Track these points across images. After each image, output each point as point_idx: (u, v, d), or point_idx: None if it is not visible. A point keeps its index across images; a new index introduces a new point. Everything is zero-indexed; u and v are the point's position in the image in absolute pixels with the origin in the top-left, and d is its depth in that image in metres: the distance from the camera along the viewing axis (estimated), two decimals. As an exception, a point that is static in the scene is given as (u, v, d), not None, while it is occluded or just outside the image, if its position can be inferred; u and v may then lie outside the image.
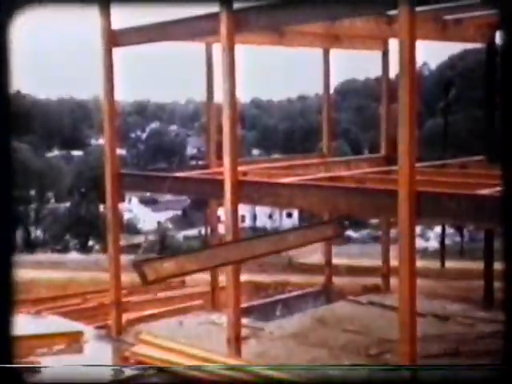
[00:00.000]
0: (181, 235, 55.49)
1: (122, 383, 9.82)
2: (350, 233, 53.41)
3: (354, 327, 12.88)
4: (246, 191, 10.62)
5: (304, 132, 70.01)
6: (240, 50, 10.88)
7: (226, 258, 9.79)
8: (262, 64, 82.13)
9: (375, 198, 9.11)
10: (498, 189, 8.12)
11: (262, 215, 64.70)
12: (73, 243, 50.59)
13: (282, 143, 76.31)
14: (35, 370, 9.17)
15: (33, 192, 54.37)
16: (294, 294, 16.36)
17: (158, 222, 56.46)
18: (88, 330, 12.92)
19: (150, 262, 9.18)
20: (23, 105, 65.07)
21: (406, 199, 8.36)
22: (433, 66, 65.89)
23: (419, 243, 33.96)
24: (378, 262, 16.26)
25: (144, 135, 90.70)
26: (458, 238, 43.07)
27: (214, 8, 10.50)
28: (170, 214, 67.02)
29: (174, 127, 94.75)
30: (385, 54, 14.92)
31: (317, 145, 25.79)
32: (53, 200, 59.67)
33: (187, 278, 17.71)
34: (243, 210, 52.16)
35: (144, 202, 68.82)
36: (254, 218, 63.91)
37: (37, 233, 52.39)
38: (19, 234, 48.41)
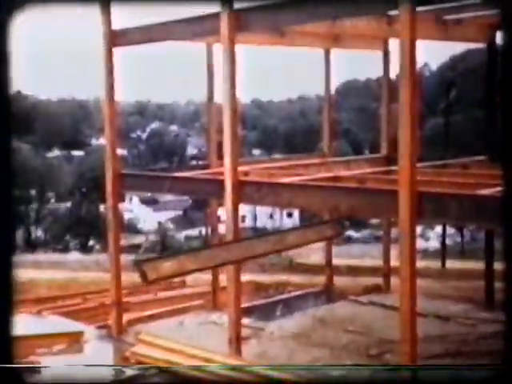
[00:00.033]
0: (182, 235, 55.51)
1: (122, 383, 9.81)
2: (350, 233, 53.41)
3: (355, 327, 12.87)
4: (247, 191, 10.62)
5: (304, 132, 69.98)
6: (240, 50, 10.88)
7: (226, 257, 9.79)
8: (262, 64, 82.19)
9: (376, 198, 9.11)
10: (499, 189, 8.11)
11: (263, 215, 64.69)
12: (73, 243, 50.60)
13: (282, 143, 76.31)
14: (35, 370, 9.16)
15: (33, 192, 54.35)
16: (295, 294, 16.36)
17: (159, 222, 56.44)
18: (88, 330, 12.92)
19: (150, 261, 9.19)
20: (24, 105, 65.09)
21: (406, 199, 8.35)
22: (434, 66, 65.86)
23: (420, 243, 33.94)
24: (378, 262, 16.26)
25: (144, 135, 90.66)
26: (458, 238, 43.07)
27: (215, 8, 10.50)
28: (171, 214, 67.01)
29: (174, 127, 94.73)
30: (385, 54, 14.91)
31: (317, 145, 25.78)
32: (53, 200, 59.65)
33: (188, 278, 17.73)
34: (244, 210, 52.12)
35: (145, 202, 68.82)
36: (255, 218, 63.90)
37: (37, 233, 52.39)
38: (20, 234, 48.42)
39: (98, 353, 11.94)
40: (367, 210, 9.95)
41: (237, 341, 10.80)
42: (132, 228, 55.28)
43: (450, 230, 40.53)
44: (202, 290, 16.50)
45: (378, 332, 12.33)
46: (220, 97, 11.19)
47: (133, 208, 66.94)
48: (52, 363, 10.65)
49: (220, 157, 12.25)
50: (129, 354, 10.97)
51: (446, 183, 9.72)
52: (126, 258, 14.23)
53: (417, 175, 8.49)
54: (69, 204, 55.39)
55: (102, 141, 20.81)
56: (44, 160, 60.62)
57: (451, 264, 24.06)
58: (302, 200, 10.04)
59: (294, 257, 25.75)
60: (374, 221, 49.88)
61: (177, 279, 17.44)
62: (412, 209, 8.36)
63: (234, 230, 10.64)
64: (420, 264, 9.48)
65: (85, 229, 50.15)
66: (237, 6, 10.39)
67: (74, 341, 12.07)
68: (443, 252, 26.99)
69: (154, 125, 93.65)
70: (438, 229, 41.56)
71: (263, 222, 63.68)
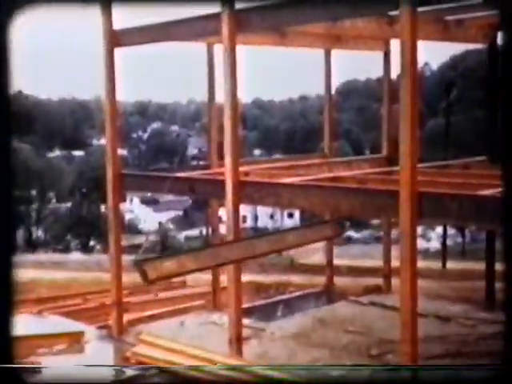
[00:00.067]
0: (182, 235, 55.54)
1: (122, 383, 9.81)
2: (351, 233, 53.43)
3: (356, 328, 12.87)
4: (248, 191, 10.62)
5: (305, 132, 70.03)
6: (241, 50, 10.87)
7: (226, 257, 9.80)
8: (263, 64, 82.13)
9: (377, 198, 9.10)
10: (500, 189, 8.11)
11: (264, 216, 64.72)
12: (74, 243, 50.64)
13: (283, 143, 76.35)
14: (36, 371, 9.17)
15: (34, 192, 54.40)
16: (296, 294, 16.35)
17: (160, 223, 56.47)
18: (89, 330, 12.93)
19: (151, 260, 9.19)
20: (25, 105, 65.10)
21: (407, 200, 8.35)
22: (434, 66, 65.87)
23: (421, 244, 33.94)
24: (379, 263, 16.25)
25: (145, 135, 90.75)
26: (459, 239, 43.09)
27: (216, 8, 10.50)
28: (172, 214, 67.04)
29: (175, 127, 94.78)
30: (386, 55, 14.91)
31: (318, 145, 25.79)
32: (54, 200, 59.69)
33: (188, 279, 17.73)
34: (244, 210, 52.14)
35: (145, 202, 68.86)
36: (256, 218, 63.93)
37: (38, 233, 52.43)
38: (21, 234, 48.46)
39: (98, 353, 11.94)
40: (368, 211, 9.95)
41: (237, 341, 10.79)
42: (133, 228, 55.31)
43: (451, 231, 40.55)
44: (202, 290, 16.51)
45: (379, 332, 12.32)
46: (221, 97, 11.19)
47: (133, 208, 66.98)
48: (53, 363, 10.65)
49: (221, 157, 12.25)
50: (129, 354, 10.97)
51: (446, 184, 9.71)
52: (127, 259, 14.22)
53: (417, 175, 8.49)
54: (69, 204, 55.43)
55: (103, 141, 20.82)
56: (45, 160, 60.65)
57: (452, 264, 24.07)
58: (303, 200, 10.03)
59: (294, 257, 25.77)
60: (375, 221, 49.90)
61: (177, 279, 17.45)
62: (413, 209, 8.35)
63: (235, 230, 10.64)
64: (421, 264, 9.46)
65: (85, 229, 50.21)
66: (238, 6, 10.39)
67: (74, 341, 12.07)
68: (444, 252, 27.01)
69: (155, 125, 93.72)
70: (439, 229, 41.57)
71: (264, 222, 63.71)
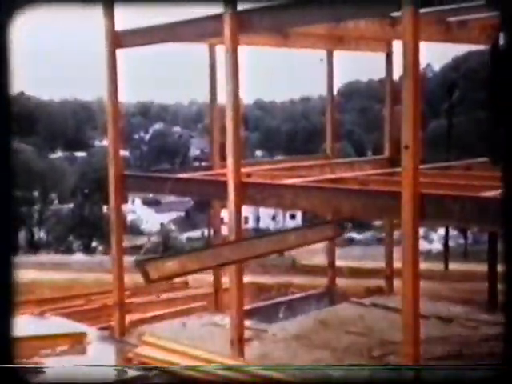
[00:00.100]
0: (184, 237, 55.55)
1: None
2: (353, 235, 53.39)
3: (357, 329, 12.86)
4: (250, 193, 10.61)
5: (307, 133, 70.02)
6: (243, 51, 10.87)
7: (228, 257, 9.82)
8: (265, 65, 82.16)
9: (379, 199, 9.09)
10: (500, 191, 8.10)
11: (266, 217, 64.70)
12: (76, 244, 50.67)
13: (285, 144, 76.34)
14: (38, 371, 9.17)
15: (36, 193, 54.44)
16: (297, 295, 16.34)
17: (161, 224, 56.51)
18: (91, 331, 12.92)
19: (152, 260, 9.22)
20: (27, 106, 65.16)
21: (409, 201, 8.34)
22: (436, 67, 65.83)
23: (423, 245, 33.91)
24: (381, 264, 16.23)
25: (147, 136, 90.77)
26: (461, 240, 43.05)
27: (218, 9, 10.50)
28: (173, 215, 67.06)
29: (177, 128, 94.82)
30: (388, 56, 14.90)
31: (320, 146, 25.79)
32: (56, 201, 59.74)
33: (190, 280, 17.73)
34: (246, 211, 52.15)
35: (147, 203, 68.88)
36: (258, 219, 63.92)
37: (40, 234, 52.46)
38: (23, 235, 48.50)
39: (100, 354, 11.93)
40: (370, 212, 9.93)
41: (239, 342, 10.79)
42: (135, 229, 55.34)
43: (453, 232, 40.51)
44: (204, 291, 16.51)
45: (381, 334, 12.32)
46: (223, 98, 11.19)
47: (135, 209, 67.01)
48: (55, 364, 10.64)
49: (223, 158, 12.25)
50: (132, 355, 10.97)
51: (448, 185, 9.70)
52: (129, 259, 14.23)
53: (420, 177, 8.49)
54: (71, 205, 55.47)
55: (105, 142, 20.83)
56: (47, 161, 60.69)
57: (454, 266, 24.05)
58: (305, 201, 10.03)
59: (296, 258, 25.78)
60: (377, 223, 49.87)
61: (179, 281, 17.45)
62: (415, 210, 8.34)
63: (237, 231, 10.63)
64: (423, 266, 9.45)
65: (87, 230, 50.24)
66: (240, 7, 10.40)
67: (76, 342, 12.07)
68: (446, 254, 27.00)
69: (157, 126, 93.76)
70: (441, 231, 41.53)
71: (266, 223, 63.69)
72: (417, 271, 8.54)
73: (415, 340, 8.55)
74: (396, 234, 14.70)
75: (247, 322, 11.95)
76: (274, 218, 65.04)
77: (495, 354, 10.61)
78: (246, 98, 75.60)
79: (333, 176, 11.58)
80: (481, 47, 16.77)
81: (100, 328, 13.59)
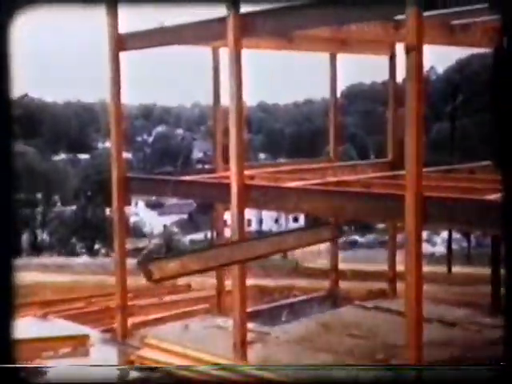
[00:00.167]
0: (187, 239, 55.55)
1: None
2: (356, 237, 53.35)
3: (360, 332, 12.84)
4: (253, 195, 10.61)
5: (310, 136, 70.00)
6: (246, 53, 10.89)
7: (229, 257, 9.87)
8: (268, 68, 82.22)
9: (382, 202, 9.08)
10: (501, 194, 8.08)
11: (268, 219, 64.67)
12: (79, 246, 50.70)
13: (288, 147, 76.33)
14: (39, 372, 9.17)
15: (39, 195, 54.48)
16: (300, 298, 16.33)
17: (164, 226, 56.51)
18: (94, 334, 12.92)
19: (155, 260, 9.26)
20: (31, 108, 65.26)
21: (412, 204, 8.33)
22: (440, 70, 65.78)
23: (426, 248, 33.91)
24: (384, 267, 16.22)
25: (150, 139, 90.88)
26: (464, 244, 42.98)
27: (222, 11, 10.50)
28: (176, 217, 67.08)
29: (180, 131, 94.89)
30: (392, 59, 14.89)
31: (323, 149, 25.79)
32: (59, 203, 59.78)
33: (193, 282, 17.74)
34: (249, 214, 52.13)
35: (150, 205, 68.93)
36: (260, 222, 63.88)
37: (43, 236, 52.49)
38: (26, 238, 48.54)
39: (103, 356, 11.93)
40: (373, 215, 9.94)
41: (242, 345, 10.78)
42: (137, 231, 55.33)
43: (456, 235, 40.46)
44: (207, 293, 16.50)
45: (384, 337, 12.30)
46: (226, 100, 11.20)
47: (138, 211, 67.04)
48: (56, 365, 10.64)
49: (226, 160, 12.25)
50: (134, 357, 10.96)
51: (451, 188, 9.69)
52: (131, 262, 14.23)
53: (423, 180, 8.48)
54: (74, 207, 55.50)
55: (108, 144, 20.83)
56: (50, 163, 60.76)
57: (457, 269, 24.01)
58: (308, 204, 10.03)
59: (299, 261, 25.76)
60: (380, 225, 49.83)
61: (182, 283, 17.46)
62: (418, 213, 8.33)
63: (240, 233, 10.63)
64: (426, 269, 9.44)
65: (90, 232, 50.24)
66: (244, 10, 10.40)
67: (79, 344, 12.07)
68: (449, 257, 26.96)
69: (160, 128, 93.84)
70: (444, 234, 41.49)
71: (268, 226, 63.66)
72: (420, 274, 8.53)
73: (418, 343, 8.54)
74: (399, 236, 14.69)
75: (250, 325, 11.93)
76: (276, 220, 65.01)
77: (498, 358, 10.57)
78: (250, 100, 75.71)
79: (336, 179, 11.58)
80: (485, 50, 16.75)
81: (102, 330, 13.60)
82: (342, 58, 14.99)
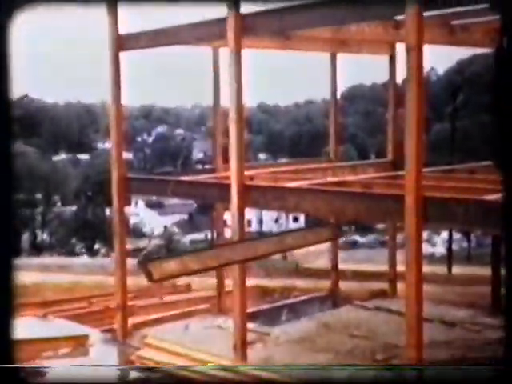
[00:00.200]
0: (187, 239, 55.53)
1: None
2: (356, 238, 53.34)
3: (361, 332, 12.84)
4: (253, 195, 10.61)
5: (311, 137, 70.00)
6: (247, 53, 10.88)
7: (229, 257, 9.89)
8: (269, 68, 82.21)
9: (382, 202, 9.08)
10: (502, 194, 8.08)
11: (269, 220, 64.65)
12: (79, 247, 50.70)
13: (288, 148, 76.33)
14: (39, 372, 9.16)
15: (39, 195, 54.49)
16: (301, 298, 16.32)
17: (165, 226, 56.51)
18: (94, 334, 12.92)
19: (155, 260, 9.27)
20: (31, 108, 65.29)
21: (412, 204, 8.33)
22: (440, 70, 65.76)
23: (426, 248, 33.89)
24: (384, 267, 16.21)
25: (150, 139, 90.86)
26: (465, 244, 42.98)
27: (222, 10, 10.50)
28: (177, 217, 67.06)
29: (180, 131, 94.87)
30: (392, 59, 14.89)
31: (323, 149, 25.77)
32: (59, 203, 59.78)
33: (193, 283, 17.72)
34: (249, 214, 52.12)
35: (150, 205, 68.90)
36: (261, 222, 63.87)
37: (43, 236, 52.50)
38: (26, 238, 48.54)
39: (103, 356, 11.93)
40: (373, 215, 9.93)
41: (242, 345, 10.78)
42: (138, 232, 55.33)
43: (457, 236, 40.46)
44: (207, 294, 16.49)
45: (384, 337, 12.29)
46: (226, 100, 11.20)
47: (138, 212, 67.01)
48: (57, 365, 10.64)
49: (226, 161, 12.25)
50: (134, 357, 10.96)
51: (452, 188, 9.69)
52: (132, 262, 14.23)
53: (423, 180, 8.47)
54: (75, 207, 55.51)
55: (108, 144, 20.83)
56: (50, 163, 60.77)
57: (458, 269, 23.98)
58: (308, 204, 10.03)
59: (299, 261, 25.72)
60: (380, 226, 49.82)
61: (182, 283, 17.45)
62: (418, 214, 8.33)
63: (240, 234, 10.63)
64: (426, 269, 9.43)
65: (90, 232, 50.25)
66: (244, 9, 10.40)
67: (79, 344, 12.07)
68: (449, 257, 26.94)
69: (160, 128, 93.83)
70: (445, 234, 41.50)
71: (269, 226, 63.65)
72: (420, 274, 8.53)
73: (418, 343, 8.54)
74: (399, 237, 14.69)
75: (250, 325, 11.93)
76: (277, 220, 65.01)
77: (499, 358, 10.57)
78: (250, 100, 75.73)
79: (336, 179, 11.58)
80: (486, 50, 16.76)
81: (103, 330, 13.59)
82: (342, 59, 15.00)
